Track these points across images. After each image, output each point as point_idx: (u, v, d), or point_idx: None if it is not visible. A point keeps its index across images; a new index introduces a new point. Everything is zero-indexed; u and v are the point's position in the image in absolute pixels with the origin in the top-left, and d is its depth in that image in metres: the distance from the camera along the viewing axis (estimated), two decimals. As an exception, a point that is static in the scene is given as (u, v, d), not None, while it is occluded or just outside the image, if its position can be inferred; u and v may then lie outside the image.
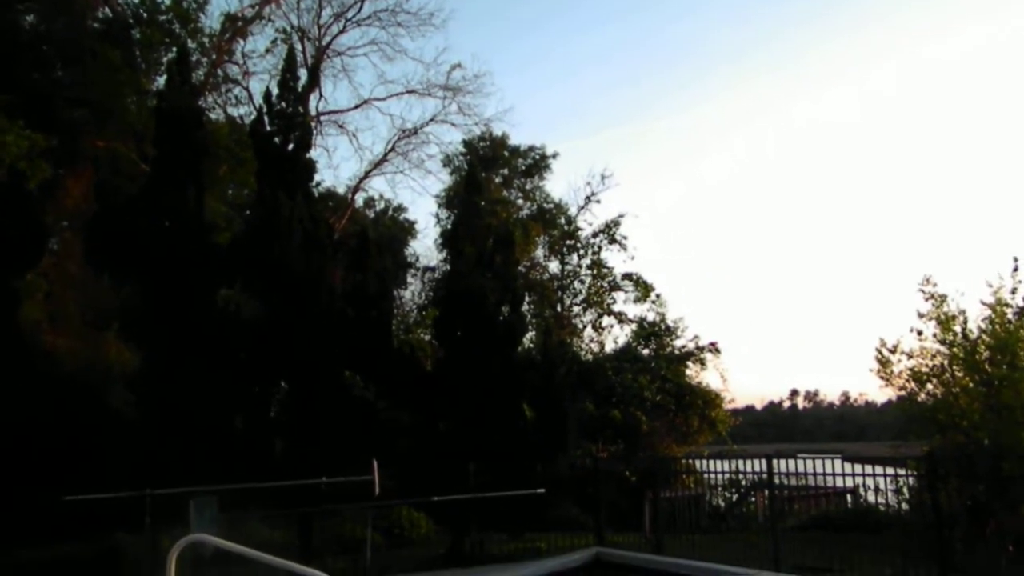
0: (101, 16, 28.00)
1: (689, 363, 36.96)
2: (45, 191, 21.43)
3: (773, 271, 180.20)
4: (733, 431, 36.61)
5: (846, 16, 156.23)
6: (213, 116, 31.49)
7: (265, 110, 20.03)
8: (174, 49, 25.91)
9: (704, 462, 21.96)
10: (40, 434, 15.85)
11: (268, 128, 19.80)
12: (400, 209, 50.44)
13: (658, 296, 42.54)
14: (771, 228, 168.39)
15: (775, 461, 16.14)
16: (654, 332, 39.14)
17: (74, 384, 17.79)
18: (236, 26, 32.58)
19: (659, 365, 34.59)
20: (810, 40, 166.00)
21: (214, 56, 31.28)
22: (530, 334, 37.92)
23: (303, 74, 32.35)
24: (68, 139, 23.88)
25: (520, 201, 48.73)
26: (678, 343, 38.46)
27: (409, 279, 48.45)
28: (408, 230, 50.05)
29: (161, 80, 26.69)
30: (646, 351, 38.00)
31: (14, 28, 24.98)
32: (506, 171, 48.73)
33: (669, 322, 39.83)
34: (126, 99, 25.48)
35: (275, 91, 20.20)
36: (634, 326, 41.36)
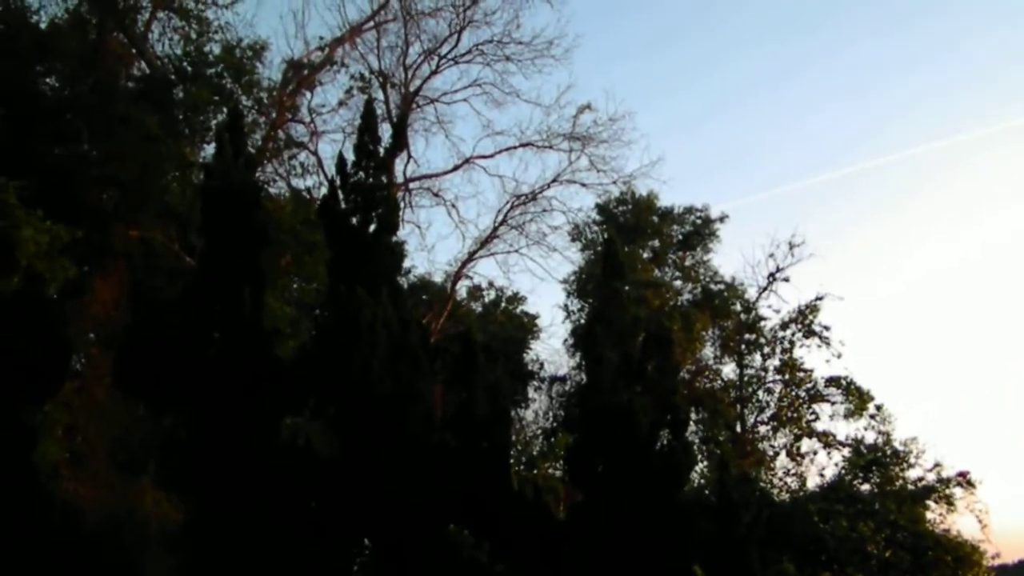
0: (136, 74, 30.08)
1: (930, 502, 35.47)
2: (67, 295, 22.79)
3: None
4: (1002, 600, 34.63)
5: None
6: (273, 191, 33.06)
7: (339, 181, 20.86)
8: (224, 110, 27.48)
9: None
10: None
11: (343, 204, 20.58)
12: (516, 300, 51.15)
13: (879, 408, 41.34)
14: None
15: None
16: (876, 460, 37.81)
17: (101, 544, 18.43)
18: (301, 75, 34.36)
19: (886, 507, 33.26)
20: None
21: (274, 115, 32.96)
22: (700, 466, 37.24)
23: (386, 131, 33.67)
24: (96, 229, 25.42)
25: (678, 283, 48.66)
26: (912, 474, 37.08)
27: (531, 394, 48.71)
28: (528, 328, 50.56)
29: (209, 150, 28.25)
30: (866, 487, 36.71)
31: (32, 94, 27.07)
32: (657, 243, 48.86)
33: (897, 444, 38.57)
34: (166, 175, 27.09)
35: (351, 156, 21.09)
36: (847, 451, 40.13)
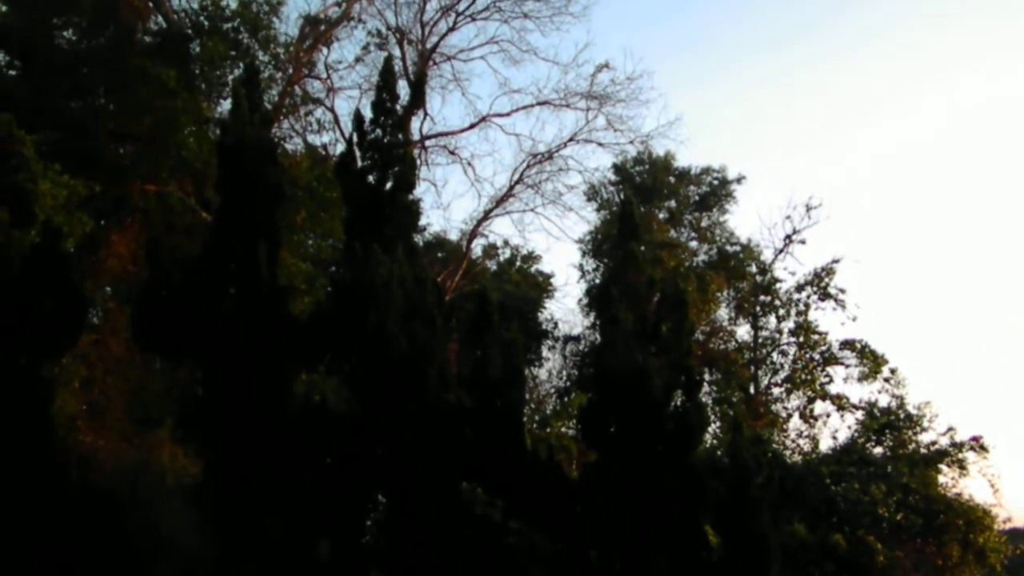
0: (153, 28, 29.99)
1: (943, 466, 35.44)
2: (85, 249, 22.91)
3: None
4: (1014, 563, 34.66)
5: None
6: (290, 147, 33.02)
7: (355, 139, 20.83)
8: (241, 65, 27.42)
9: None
10: (75, 564, 16.63)
11: (360, 163, 20.56)
12: (531, 259, 50.97)
13: (894, 372, 41.17)
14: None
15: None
16: (890, 423, 37.77)
17: (117, 499, 18.61)
18: (318, 31, 34.23)
19: (899, 470, 33.26)
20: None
21: (291, 70, 32.88)
22: (713, 428, 37.24)
23: (403, 88, 33.52)
24: (113, 184, 25.53)
25: (694, 243, 48.49)
26: (925, 438, 36.97)
27: (545, 354, 48.68)
28: (543, 287, 50.43)
29: (225, 105, 28.23)
30: (879, 450, 36.69)
31: (49, 48, 27.05)
32: (673, 203, 48.64)
33: (911, 408, 38.44)
34: (182, 130, 27.04)
35: (368, 113, 21.04)
36: (860, 414, 40.07)
